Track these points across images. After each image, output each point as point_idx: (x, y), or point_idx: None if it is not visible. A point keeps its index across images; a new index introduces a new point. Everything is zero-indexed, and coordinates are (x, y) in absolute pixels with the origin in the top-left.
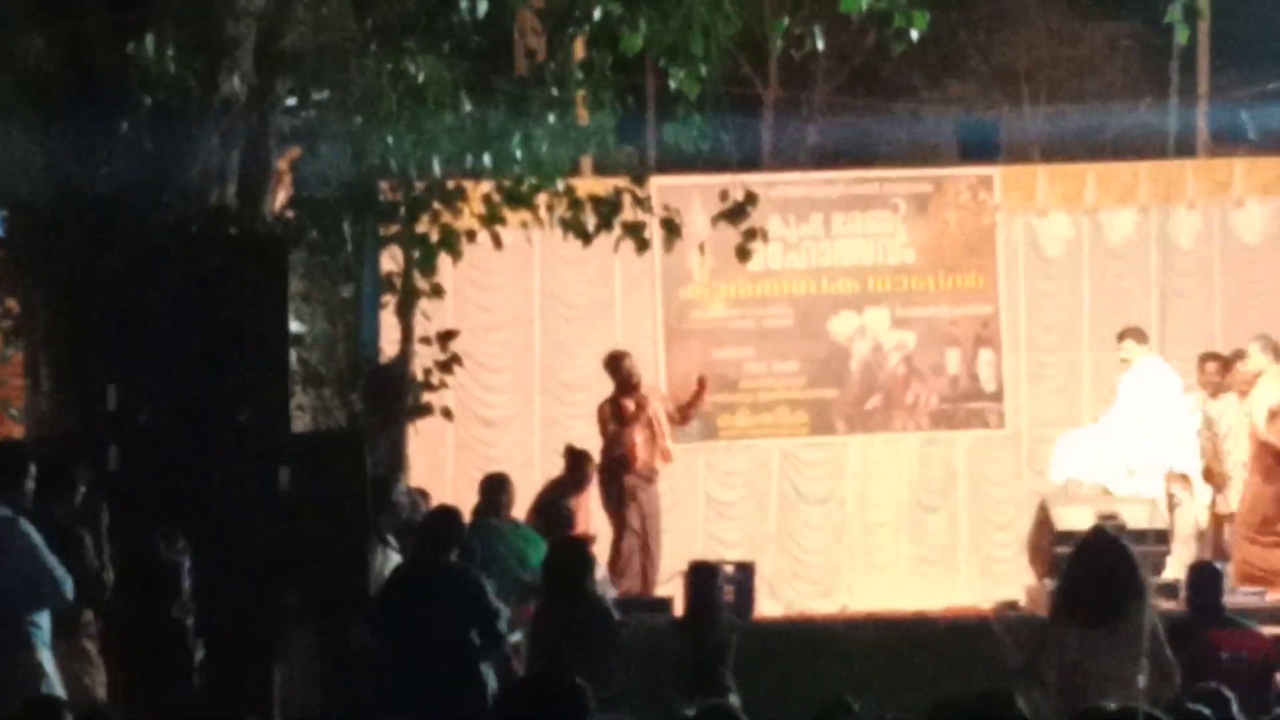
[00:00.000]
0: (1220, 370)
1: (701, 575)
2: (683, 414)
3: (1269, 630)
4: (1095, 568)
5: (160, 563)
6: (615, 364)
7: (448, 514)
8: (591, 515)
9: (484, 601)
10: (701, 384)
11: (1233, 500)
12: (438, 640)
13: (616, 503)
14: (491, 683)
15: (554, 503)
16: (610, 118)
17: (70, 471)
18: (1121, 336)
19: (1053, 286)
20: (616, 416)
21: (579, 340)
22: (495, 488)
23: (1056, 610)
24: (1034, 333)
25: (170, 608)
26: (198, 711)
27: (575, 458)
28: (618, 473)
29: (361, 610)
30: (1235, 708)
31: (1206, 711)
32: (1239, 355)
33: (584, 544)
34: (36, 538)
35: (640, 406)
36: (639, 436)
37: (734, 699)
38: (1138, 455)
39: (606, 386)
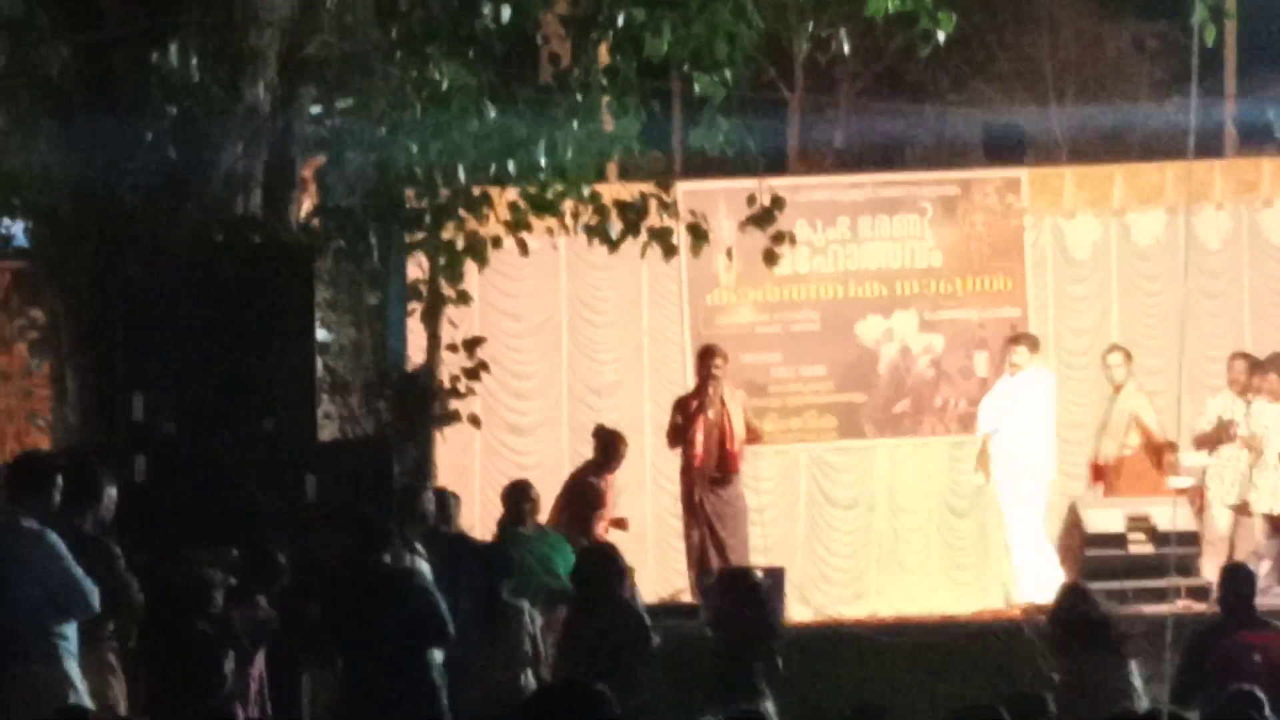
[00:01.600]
0: (1248, 370)
1: (737, 583)
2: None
3: None
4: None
5: (189, 575)
6: (699, 356)
7: (368, 520)
8: (619, 497)
9: (428, 601)
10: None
11: (1264, 502)
12: (382, 644)
13: (684, 505)
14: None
15: (581, 480)
16: (635, 123)
17: (96, 481)
18: (1015, 341)
19: (1081, 289)
20: (682, 412)
21: (606, 346)
22: (518, 496)
23: (1067, 640)
24: (1063, 335)
25: (199, 621)
26: None
27: (605, 437)
28: (684, 471)
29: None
30: (1268, 709)
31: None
32: (1273, 359)
33: (614, 549)
34: (63, 549)
35: (701, 406)
36: (700, 435)
37: (769, 705)
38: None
39: (635, 392)
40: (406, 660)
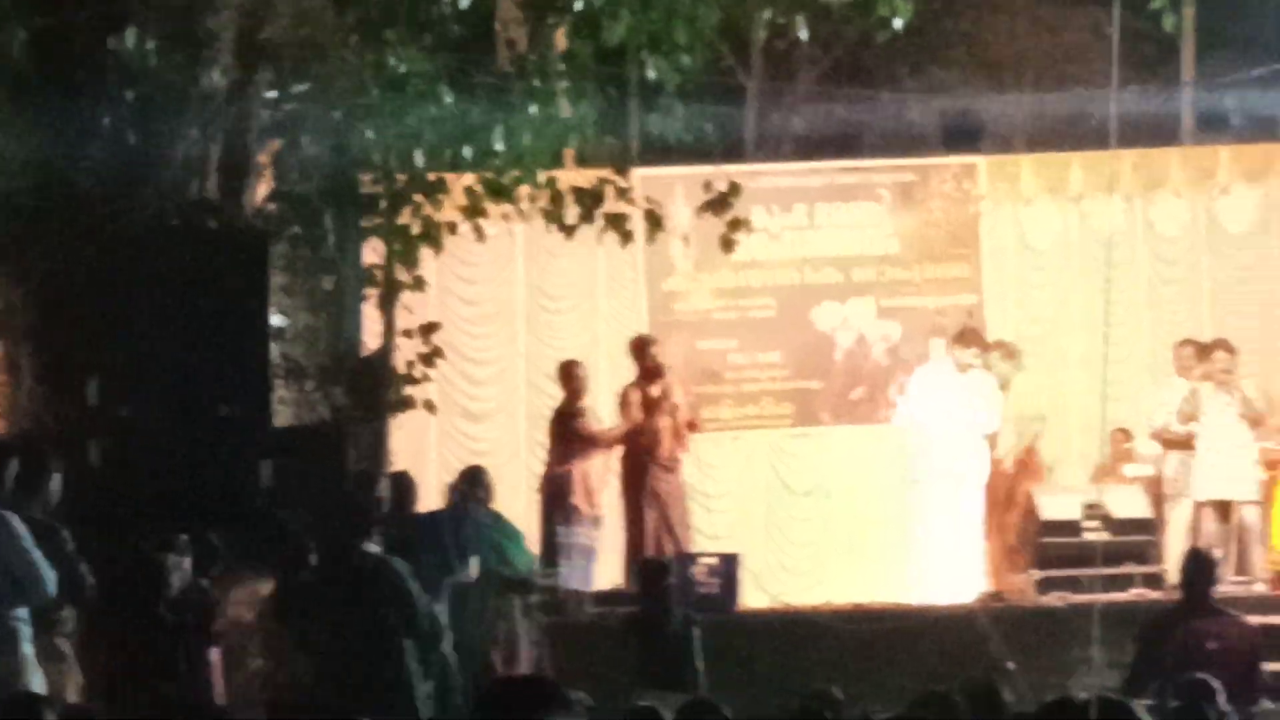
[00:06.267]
0: (1196, 356)
1: (651, 572)
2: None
3: (1255, 619)
4: None
5: (146, 560)
6: (637, 349)
7: (360, 505)
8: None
9: (404, 591)
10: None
11: (1213, 489)
12: (358, 633)
13: (635, 493)
14: (420, 678)
15: (567, 421)
16: (592, 109)
17: (44, 466)
18: (966, 340)
19: (1038, 276)
20: (642, 405)
21: (563, 333)
22: (472, 481)
23: None
24: (1020, 323)
25: (157, 606)
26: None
27: (565, 371)
28: (641, 463)
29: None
30: (1222, 697)
31: None
32: (1219, 344)
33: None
34: (23, 531)
35: (666, 394)
36: (662, 424)
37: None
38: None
39: (592, 378)
40: (381, 649)
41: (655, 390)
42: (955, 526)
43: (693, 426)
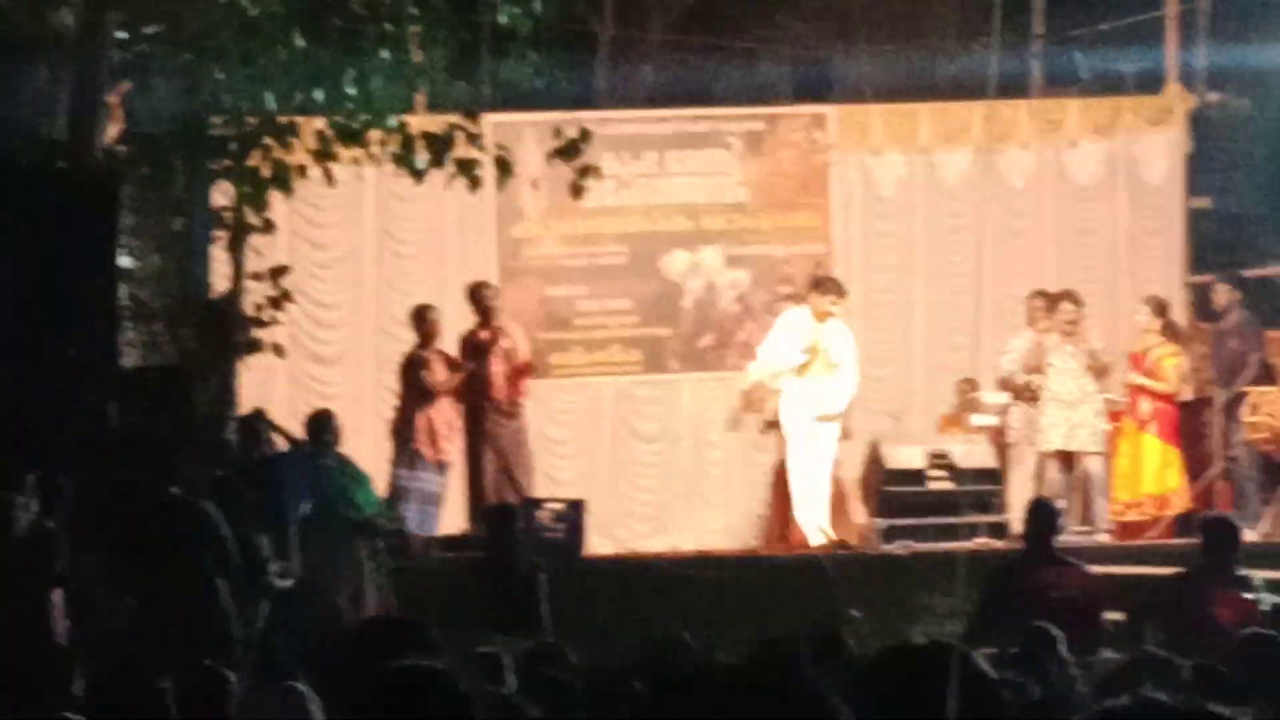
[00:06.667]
0: (1046, 307)
1: (497, 517)
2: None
3: (1097, 569)
4: None
5: None
6: (473, 295)
7: (163, 445)
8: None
9: (213, 531)
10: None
11: (1057, 439)
12: (169, 574)
13: (475, 438)
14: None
15: (416, 366)
16: (443, 54)
17: None
18: (825, 288)
19: (886, 226)
20: (474, 349)
21: (412, 277)
22: (320, 425)
23: None
24: (867, 272)
25: (1, 547)
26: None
27: (417, 315)
28: (480, 409)
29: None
30: (1063, 646)
31: None
32: (1066, 295)
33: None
34: None
35: (495, 338)
36: (497, 368)
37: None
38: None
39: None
40: (193, 589)
41: (489, 335)
42: (809, 474)
43: (529, 371)
